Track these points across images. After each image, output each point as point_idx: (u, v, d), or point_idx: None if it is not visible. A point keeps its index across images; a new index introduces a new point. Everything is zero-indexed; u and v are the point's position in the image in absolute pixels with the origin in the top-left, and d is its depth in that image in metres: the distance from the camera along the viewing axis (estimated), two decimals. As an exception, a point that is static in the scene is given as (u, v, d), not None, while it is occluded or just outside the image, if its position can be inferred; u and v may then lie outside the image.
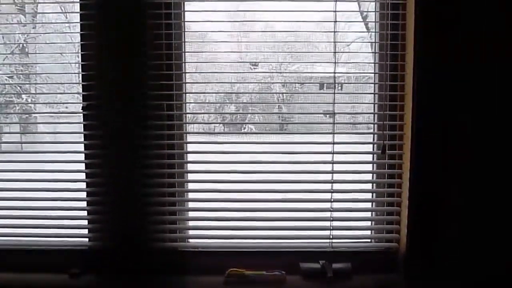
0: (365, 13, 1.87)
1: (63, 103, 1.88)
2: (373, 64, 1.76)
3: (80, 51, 1.71)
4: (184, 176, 1.78)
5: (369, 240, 1.78)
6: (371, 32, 1.86)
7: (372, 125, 1.79)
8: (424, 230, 1.63)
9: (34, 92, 2.01)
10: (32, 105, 2.01)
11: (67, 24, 1.91)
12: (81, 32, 1.68)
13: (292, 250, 1.73)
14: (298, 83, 1.99)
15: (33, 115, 2.04)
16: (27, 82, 1.98)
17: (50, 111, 1.96)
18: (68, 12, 1.94)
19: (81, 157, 1.72)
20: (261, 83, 1.96)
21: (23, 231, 1.78)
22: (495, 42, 1.54)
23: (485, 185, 1.60)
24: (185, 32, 1.71)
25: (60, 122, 1.89)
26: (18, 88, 2.02)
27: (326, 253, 1.71)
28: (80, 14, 1.68)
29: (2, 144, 2.01)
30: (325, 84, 1.95)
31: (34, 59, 1.98)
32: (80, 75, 1.72)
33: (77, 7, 1.73)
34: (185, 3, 1.71)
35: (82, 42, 1.68)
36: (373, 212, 1.79)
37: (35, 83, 1.95)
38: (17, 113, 2.01)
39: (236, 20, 1.78)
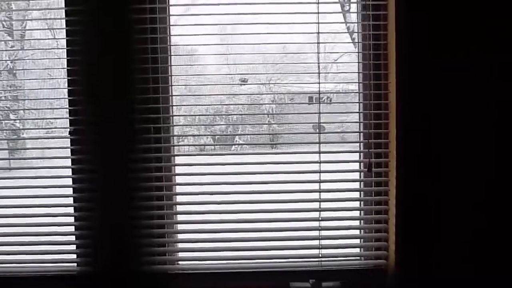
0: (349, 26, 1.90)
1: (51, 118, 1.93)
2: (358, 80, 1.78)
3: (66, 73, 1.72)
4: (172, 199, 1.78)
5: (358, 258, 1.79)
6: (356, 43, 1.89)
7: (358, 143, 1.81)
8: (411, 247, 1.64)
9: (23, 111, 2.00)
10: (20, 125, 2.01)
11: (55, 44, 1.92)
12: (67, 51, 1.69)
13: (282, 270, 1.73)
14: (287, 102, 2.04)
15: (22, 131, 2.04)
16: (16, 102, 1.98)
17: (39, 129, 1.96)
18: (58, 38, 1.95)
19: (69, 181, 1.71)
20: (250, 94, 2.03)
21: (8, 257, 1.76)
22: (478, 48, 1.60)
23: (475, 200, 1.63)
24: (172, 52, 1.73)
25: (50, 148, 1.87)
26: (6, 108, 2.02)
27: (316, 272, 1.71)
28: (66, 36, 1.69)
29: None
30: (314, 98, 1.97)
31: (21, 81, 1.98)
32: (66, 98, 1.72)
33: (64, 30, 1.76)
34: (171, 19, 1.73)
35: (68, 68, 1.69)
36: (362, 230, 1.80)
37: (24, 105, 1.96)
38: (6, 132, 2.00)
39: (224, 40, 1.81)
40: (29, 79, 1.92)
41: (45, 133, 1.98)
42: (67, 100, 1.73)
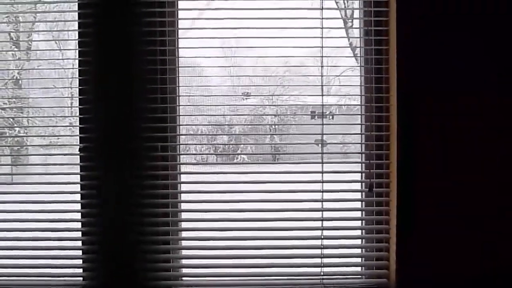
0: (352, 42, 1.96)
1: (56, 135, 1.95)
2: (359, 97, 1.84)
3: (71, 84, 1.76)
4: (178, 215, 1.82)
5: (359, 276, 1.81)
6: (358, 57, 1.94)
7: (360, 164, 1.85)
8: (412, 266, 1.67)
9: (26, 124, 2.05)
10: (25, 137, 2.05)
11: (60, 57, 1.97)
12: (77, 63, 1.74)
13: (284, 287, 1.75)
14: (290, 114, 2.11)
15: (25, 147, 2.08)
16: (20, 115, 2.03)
17: (42, 142, 2.00)
18: (63, 49, 2.01)
19: (77, 197, 1.75)
20: (252, 114, 2.10)
21: (13, 271, 1.78)
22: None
23: (477, 218, 1.67)
24: (179, 64, 1.78)
25: (52, 154, 1.91)
26: (11, 120, 2.06)
27: (317, 291, 1.74)
28: (78, 46, 1.74)
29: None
30: (316, 113, 2.02)
31: (27, 91, 2.03)
32: (75, 110, 1.77)
33: (71, 42, 1.82)
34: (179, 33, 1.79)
35: (78, 77, 1.74)
36: (363, 249, 1.83)
37: (27, 116, 2.01)
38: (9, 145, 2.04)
39: (227, 53, 1.88)
40: (33, 88, 1.98)
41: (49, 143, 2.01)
42: (71, 110, 1.77)
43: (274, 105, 2.10)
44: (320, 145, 1.77)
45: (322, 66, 1.75)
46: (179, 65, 1.78)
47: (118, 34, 1.63)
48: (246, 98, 2.07)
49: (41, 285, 1.75)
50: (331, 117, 1.95)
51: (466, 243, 1.67)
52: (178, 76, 1.78)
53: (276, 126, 2.25)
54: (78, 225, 1.77)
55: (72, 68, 1.94)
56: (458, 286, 1.67)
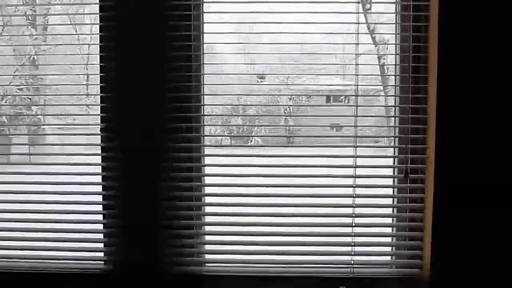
0: (372, 26, 1.85)
1: (72, 115, 1.92)
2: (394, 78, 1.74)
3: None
4: (202, 200, 1.75)
5: (391, 266, 1.74)
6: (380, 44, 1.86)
7: (393, 148, 1.76)
8: (448, 256, 1.59)
9: (43, 104, 1.99)
10: (42, 117, 1.99)
11: (76, 37, 1.90)
12: (100, 47, 1.67)
13: (312, 275, 1.69)
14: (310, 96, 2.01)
15: (42, 127, 2.02)
16: (37, 94, 1.96)
17: (59, 123, 1.95)
18: (77, 24, 1.94)
19: (98, 178, 1.69)
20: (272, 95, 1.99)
21: (33, 253, 1.74)
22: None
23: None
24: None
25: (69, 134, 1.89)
26: (28, 99, 2.00)
27: (347, 279, 1.66)
28: (100, 30, 1.67)
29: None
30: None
31: (44, 71, 1.96)
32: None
33: (87, 20, 1.81)
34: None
35: (100, 64, 1.67)
36: (395, 238, 1.76)
37: (45, 95, 1.97)
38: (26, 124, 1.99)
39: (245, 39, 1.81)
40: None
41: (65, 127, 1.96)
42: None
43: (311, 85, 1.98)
44: (355, 127, 1.67)
45: (357, 44, 1.65)
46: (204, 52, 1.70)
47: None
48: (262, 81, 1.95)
49: (60, 268, 1.71)
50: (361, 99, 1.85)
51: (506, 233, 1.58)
52: (203, 63, 1.70)
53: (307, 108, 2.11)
54: (99, 207, 1.70)
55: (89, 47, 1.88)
56: (498, 278, 1.58)
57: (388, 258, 1.75)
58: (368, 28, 1.86)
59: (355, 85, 1.67)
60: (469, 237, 1.58)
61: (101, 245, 1.73)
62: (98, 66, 1.67)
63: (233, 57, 1.93)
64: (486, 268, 1.58)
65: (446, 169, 1.58)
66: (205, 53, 1.70)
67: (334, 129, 1.88)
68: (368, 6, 1.87)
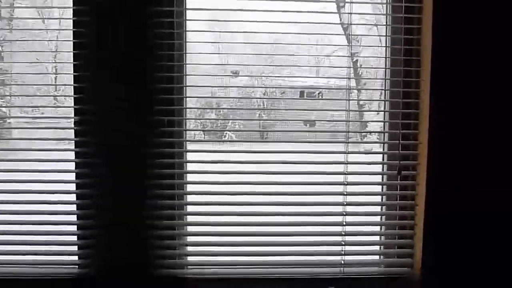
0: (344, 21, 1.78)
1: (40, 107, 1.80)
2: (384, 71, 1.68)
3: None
4: (184, 198, 1.65)
5: (381, 265, 1.69)
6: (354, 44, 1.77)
7: (382, 145, 1.71)
8: (439, 255, 1.56)
9: (9, 96, 1.84)
10: (7, 111, 1.84)
11: (44, 29, 1.78)
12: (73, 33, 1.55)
13: (302, 276, 1.62)
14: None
15: (8, 120, 1.87)
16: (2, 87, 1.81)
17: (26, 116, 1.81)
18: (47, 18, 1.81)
19: (72, 176, 1.57)
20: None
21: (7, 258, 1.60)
22: None
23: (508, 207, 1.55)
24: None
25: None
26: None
27: (336, 280, 1.61)
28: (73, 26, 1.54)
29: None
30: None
31: (9, 64, 1.81)
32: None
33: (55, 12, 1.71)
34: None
35: (75, 62, 1.55)
36: (385, 236, 1.71)
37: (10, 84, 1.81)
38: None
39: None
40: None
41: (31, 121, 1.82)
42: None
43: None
44: (348, 123, 1.61)
45: (350, 35, 1.58)
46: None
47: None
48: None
49: (33, 273, 1.58)
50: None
51: (502, 234, 1.56)
52: (186, 53, 1.60)
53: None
54: (73, 207, 1.58)
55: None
56: (489, 276, 1.55)
57: (379, 257, 1.70)
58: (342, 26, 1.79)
59: (347, 78, 1.59)
60: (460, 235, 1.55)
61: (75, 248, 1.60)
62: (71, 54, 1.54)
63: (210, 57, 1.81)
64: (478, 266, 1.55)
65: (439, 166, 1.53)
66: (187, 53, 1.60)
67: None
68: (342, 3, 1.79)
